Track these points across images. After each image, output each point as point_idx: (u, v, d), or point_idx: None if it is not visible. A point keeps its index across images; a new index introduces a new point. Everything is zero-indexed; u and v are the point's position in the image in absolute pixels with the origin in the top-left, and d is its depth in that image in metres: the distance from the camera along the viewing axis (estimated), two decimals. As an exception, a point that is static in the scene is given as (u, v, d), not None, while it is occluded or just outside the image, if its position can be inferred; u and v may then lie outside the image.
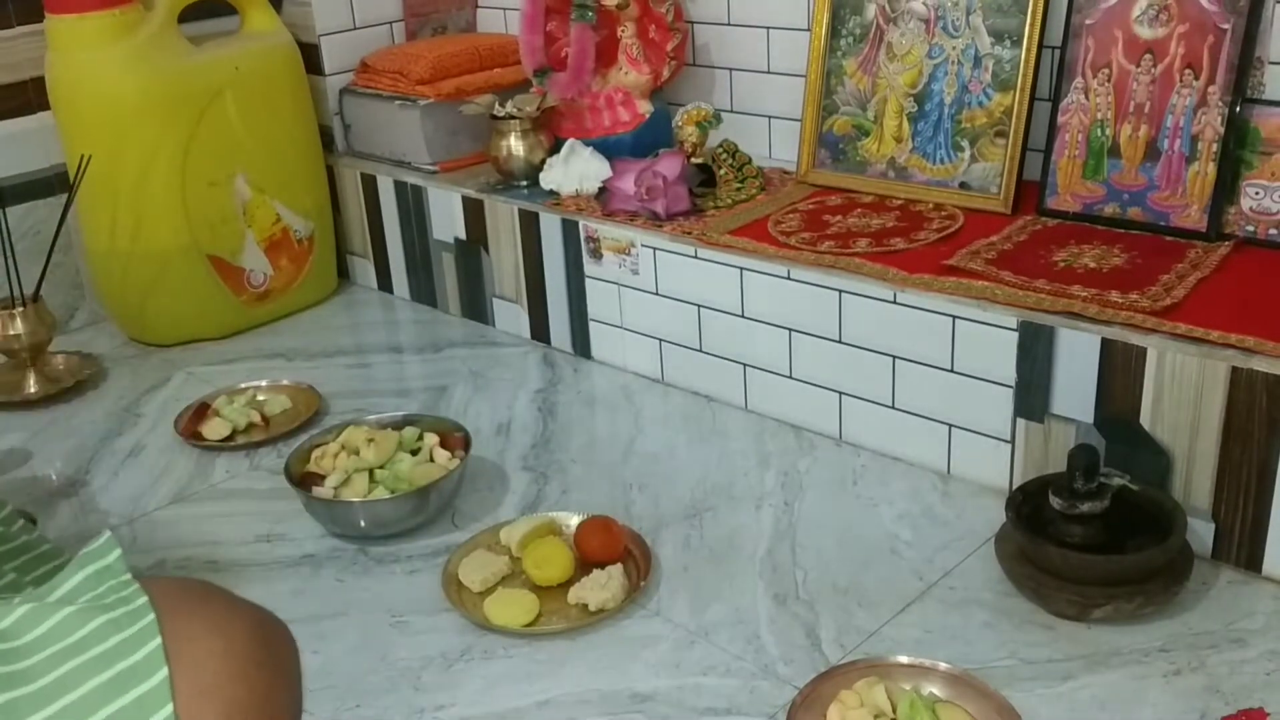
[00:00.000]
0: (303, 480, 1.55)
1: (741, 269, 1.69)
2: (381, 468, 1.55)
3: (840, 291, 1.59)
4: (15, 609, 0.67)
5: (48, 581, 0.81)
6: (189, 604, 0.70)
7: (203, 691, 0.67)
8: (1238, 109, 1.52)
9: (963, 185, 1.76)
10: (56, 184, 2.16)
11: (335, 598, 1.41)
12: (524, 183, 2.04)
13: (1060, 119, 1.66)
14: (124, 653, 0.66)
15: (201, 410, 1.83)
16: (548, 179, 1.99)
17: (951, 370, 1.51)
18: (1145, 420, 1.36)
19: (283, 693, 0.72)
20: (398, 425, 1.63)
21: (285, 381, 1.93)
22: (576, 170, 1.96)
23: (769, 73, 2.04)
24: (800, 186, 1.91)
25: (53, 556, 1.03)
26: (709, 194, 1.89)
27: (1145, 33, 1.59)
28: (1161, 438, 1.35)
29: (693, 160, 1.91)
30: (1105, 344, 1.36)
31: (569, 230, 1.91)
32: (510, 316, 2.08)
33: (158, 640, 0.67)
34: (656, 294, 1.82)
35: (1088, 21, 1.63)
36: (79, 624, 0.67)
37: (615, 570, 1.37)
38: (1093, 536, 1.30)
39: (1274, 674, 1.18)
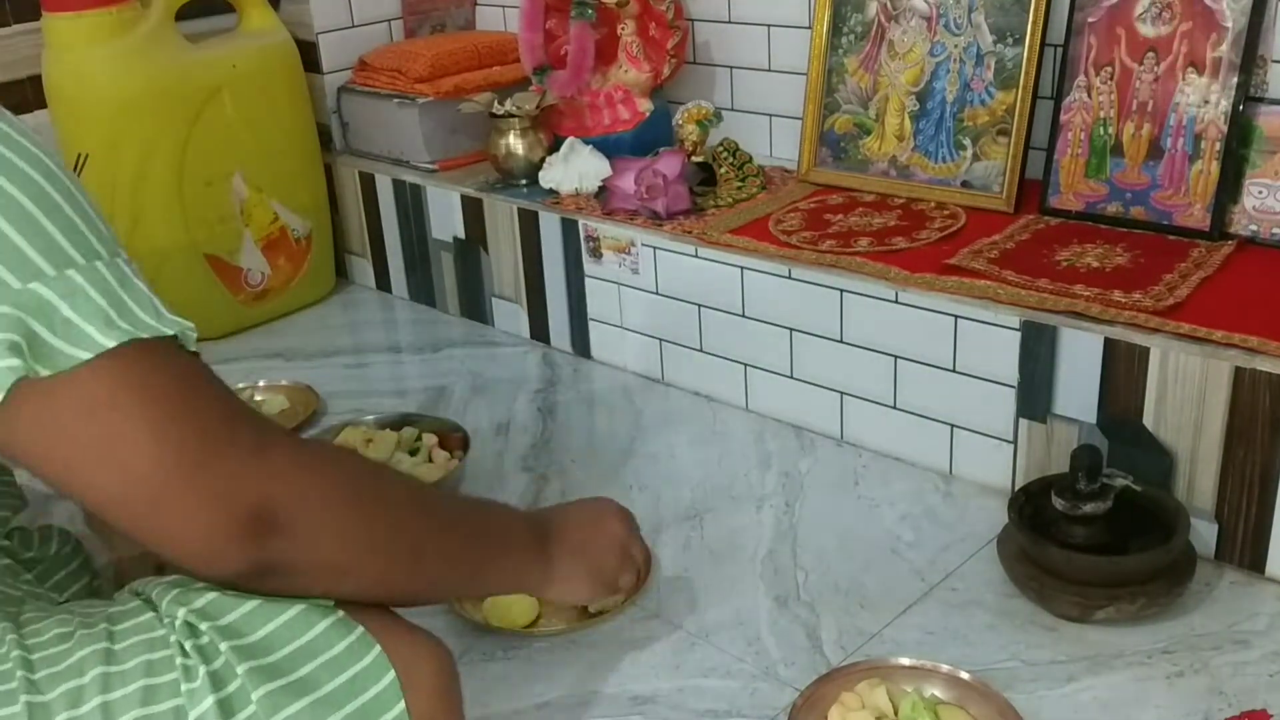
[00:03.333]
0: (301, 480, 1.54)
1: (742, 268, 1.69)
2: (380, 468, 1.54)
3: (841, 291, 1.58)
4: (240, 603, 0.76)
5: (70, 585, 0.99)
6: (373, 617, 0.80)
7: (426, 695, 0.79)
8: (1241, 107, 1.52)
9: (965, 184, 1.75)
10: (54, 183, 2.15)
11: (333, 599, 1.40)
12: (523, 181, 2.03)
13: (1063, 117, 1.65)
14: (357, 655, 0.77)
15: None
16: (547, 178, 1.98)
17: (953, 370, 1.51)
18: (1148, 420, 1.35)
19: (459, 702, 0.85)
20: (396, 425, 1.63)
21: (283, 381, 1.93)
22: (576, 169, 1.96)
23: (770, 71, 2.04)
24: (801, 185, 1.91)
25: (69, 560, 1.05)
26: (709, 193, 1.89)
27: (1148, 31, 1.58)
28: (1164, 438, 1.35)
29: (693, 159, 1.90)
30: (1108, 344, 1.35)
31: (569, 229, 1.90)
32: (509, 316, 2.08)
33: (378, 646, 0.78)
34: (656, 293, 1.81)
35: (1090, 19, 1.62)
36: (310, 623, 0.77)
37: (615, 571, 1.36)
38: (1095, 537, 1.29)
39: (1277, 675, 1.18)
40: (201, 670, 0.73)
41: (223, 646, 0.74)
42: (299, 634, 0.76)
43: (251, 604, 0.76)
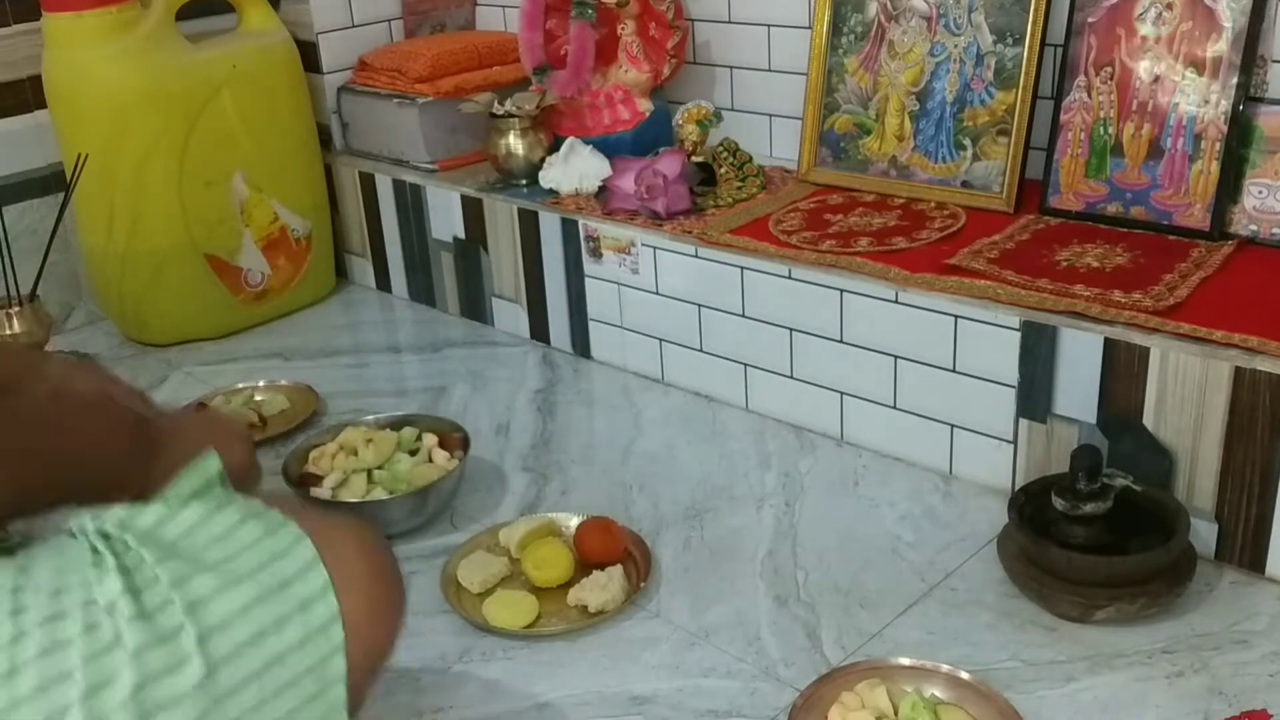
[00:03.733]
0: (301, 481, 1.54)
1: (742, 268, 1.69)
2: (380, 468, 1.54)
3: (841, 291, 1.58)
4: (147, 510, 0.77)
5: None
6: (293, 506, 0.80)
7: (349, 578, 0.77)
8: (1241, 107, 1.52)
9: (965, 184, 1.75)
10: (53, 183, 2.15)
11: (333, 599, 1.40)
12: (523, 181, 2.03)
13: (1063, 117, 1.65)
14: (275, 548, 0.76)
15: (199, 410, 1.82)
16: (547, 178, 1.98)
17: (953, 370, 1.51)
18: (1148, 421, 1.35)
19: (401, 599, 0.83)
20: (396, 425, 1.62)
21: (283, 381, 1.93)
22: (576, 169, 1.96)
23: (770, 71, 2.04)
24: (801, 185, 1.91)
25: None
26: (709, 193, 1.89)
27: (1148, 31, 1.58)
28: (1164, 438, 1.35)
29: (693, 159, 1.90)
30: (1108, 344, 1.35)
31: (569, 229, 1.90)
32: (509, 316, 2.08)
33: (297, 529, 0.77)
34: (656, 293, 1.81)
35: (1090, 19, 1.62)
36: (220, 519, 0.77)
37: (615, 571, 1.36)
38: (1095, 537, 1.29)
39: (1277, 675, 1.18)
40: (110, 560, 0.73)
41: (129, 539, 0.74)
42: (211, 525, 0.77)
43: (159, 507, 0.77)
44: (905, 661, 1.20)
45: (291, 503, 0.80)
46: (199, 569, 0.74)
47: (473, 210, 2.05)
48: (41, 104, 2.08)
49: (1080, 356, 1.38)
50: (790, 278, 1.63)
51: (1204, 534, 1.34)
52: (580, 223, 1.88)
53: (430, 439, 1.60)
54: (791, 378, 1.69)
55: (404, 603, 0.83)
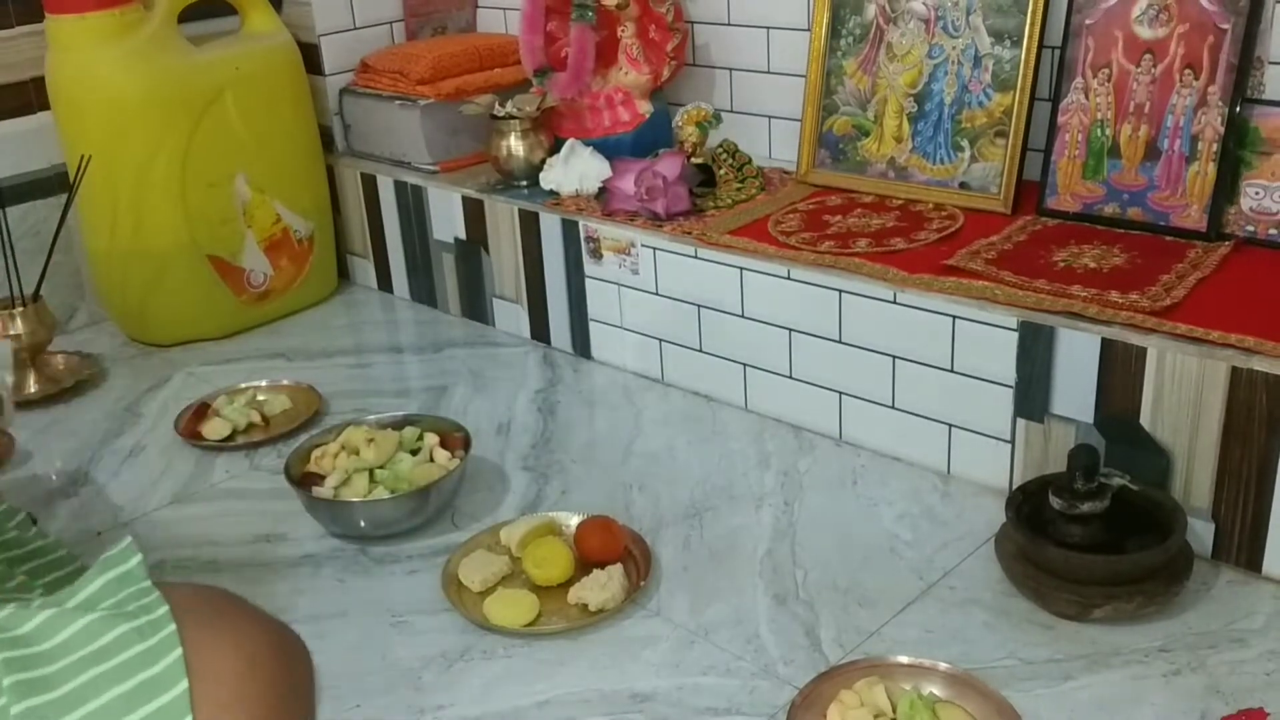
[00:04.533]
0: (303, 480, 1.55)
1: (741, 269, 1.69)
2: (381, 468, 1.55)
3: (840, 291, 1.59)
4: (36, 614, 0.67)
5: (60, 587, 0.81)
6: (209, 616, 0.70)
7: (223, 706, 0.67)
8: (1238, 109, 1.52)
9: (963, 185, 1.76)
10: (56, 184, 2.16)
11: (335, 598, 1.41)
12: (524, 183, 2.04)
13: (1060, 119, 1.66)
14: (146, 663, 0.66)
15: (201, 410, 1.83)
16: (548, 179, 1.99)
17: (951, 370, 1.51)
18: (1145, 420, 1.36)
19: (299, 711, 0.72)
20: (398, 425, 1.63)
21: (285, 381, 1.93)
22: (576, 170, 1.96)
23: (769, 73, 2.04)
24: (800, 186, 1.91)
25: (65, 563, 1.03)
26: (709, 194, 1.89)
27: (1145, 33, 1.59)
28: (1161, 438, 1.35)
29: (692, 160, 1.90)
30: (1105, 344, 1.36)
31: (569, 230, 1.91)
32: (510, 316, 2.08)
33: (178, 651, 0.66)
34: (656, 294, 1.82)
35: (1088, 21, 1.63)
36: (101, 631, 0.67)
37: (615, 570, 1.37)
38: (1093, 536, 1.30)
39: (1274, 674, 1.18)
40: None
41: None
42: (87, 641, 0.67)
43: (49, 613, 0.68)
44: (903, 660, 1.20)
45: (194, 603, 0.70)
46: (58, 709, 0.65)
47: (474, 211, 2.05)
48: (45, 105, 2.09)
49: (1077, 357, 1.39)
50: (789, 278, 1.64)
51: (1201, 533, 1.35)
52: (580, 224, 1.89)
53: (431, 438, 1.61)
54: (790, 378, 1.69)
55: (305, 714, 0.73)
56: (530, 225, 1.96)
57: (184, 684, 0.66)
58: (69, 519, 1.61)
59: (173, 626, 0.67)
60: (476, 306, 2.14)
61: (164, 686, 0.66)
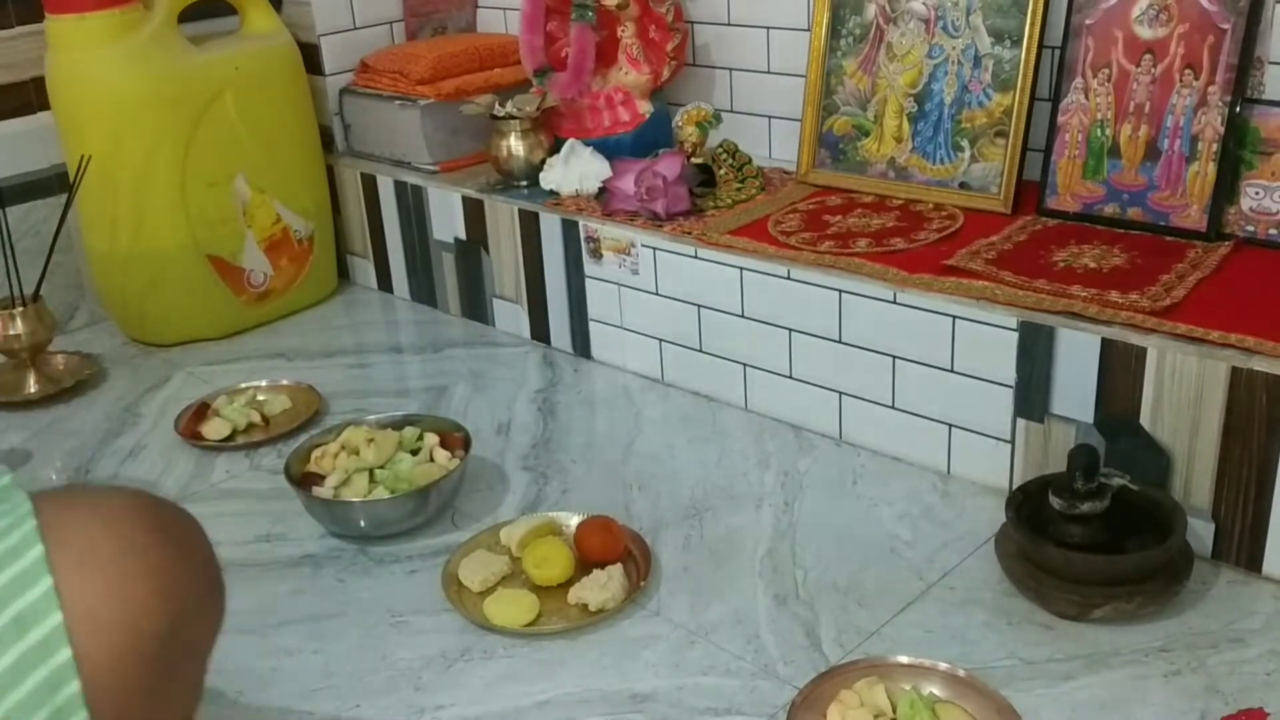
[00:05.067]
0: (303, 480, 1.55)
1: (741, 269, 1.69)
2: (381, 468, 1.55)
3: (840, 291, 1.59)
4: None
5: None
6: (73, 496, 0.72)
7: (84, 563, 0.67)
8: (1238, 109, 1.52)
9: (963, 185, 1.76)
10: (56, 184, 2.16)
11: (335, 598, 1.41)
12: (524, 183, 2.04)
13: (1060, 119, 1.66)
14: (2, 535, 0.67)
15: (201, 410, 1.83)
16: (548, 179, 1.99)
17: (951, 370, 1.51)
18: (1145, 420, 1.36)
19: (182, 566, 0.72)
20: (398, 425, 1.63)
21: (285, 381, 1.93)
22: (576, 170, 1.96)
23: (769, 73, 2.04)
24: (800, 186, 1.91)
25: None
26: (709, 194, 1.89)
27: (1145, 33, 1.59)
28: (1161, 438, 1.35)
29: (693, 160, 1.91)
30: (1105, 344, 1.36)
31: (569, 230, 1.91)
32: (510, 316, 2.08)
33: (33, 522, 0.68)
34: (656, 294, 1.82)
35: (1088, 21, 1.63)
36: None
37: (615, 570, 1.37)
38: (1093, 536, 1.30)
39: (1274, 674, 1.18)
40: None
41: None
42: None
43: None
44: (903, 660, 1.20)
45: (57, 490, 0.71)
46: None
47: (474, 211, 2.05)
48: (45, 106, 2.08)
49: (1077, 357, 1.39)
50: (789, 278, 1.64)
51: (1201, 533, 1.35)
52: (580, 224, 1.89)
53: (431, 438, 1.61)
54: (790, 378, 1.69)
55: (192, 572, 0.74)
56: (530, 225, 1.97)
57: (39, 548, 0.66)
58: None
59: (30, 504, 0.69)
60: (476, 306, 2.14)
61: (19, 553, 0.66)
